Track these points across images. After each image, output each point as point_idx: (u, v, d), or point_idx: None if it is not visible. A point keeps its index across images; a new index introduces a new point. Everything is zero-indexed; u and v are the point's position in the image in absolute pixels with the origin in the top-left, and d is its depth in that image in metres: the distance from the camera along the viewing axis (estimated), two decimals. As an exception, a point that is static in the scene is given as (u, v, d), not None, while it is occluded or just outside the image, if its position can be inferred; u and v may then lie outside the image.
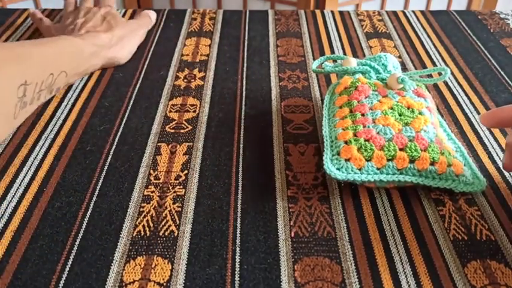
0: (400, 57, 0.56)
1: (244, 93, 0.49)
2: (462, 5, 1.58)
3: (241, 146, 0.41)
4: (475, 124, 0.44)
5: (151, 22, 0.61)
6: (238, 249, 0.32)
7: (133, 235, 0.33)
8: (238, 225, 0.33)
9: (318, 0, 1.35)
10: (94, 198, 0.36)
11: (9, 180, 0.37)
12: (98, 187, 0.37)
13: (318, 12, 0.67)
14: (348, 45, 0.59)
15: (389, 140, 0.35)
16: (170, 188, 0.37)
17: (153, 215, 0.34)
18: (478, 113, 0.46)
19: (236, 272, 0.30)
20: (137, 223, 0.34)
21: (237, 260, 0.31)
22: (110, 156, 0.40)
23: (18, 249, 0.32)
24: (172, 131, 0.43)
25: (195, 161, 0.39)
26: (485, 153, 0.40)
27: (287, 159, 0.39)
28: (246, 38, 0.60)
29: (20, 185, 0.37)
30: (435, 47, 0.58)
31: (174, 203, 0.35)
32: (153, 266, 0.30)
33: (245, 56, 0.56)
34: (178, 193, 0.36)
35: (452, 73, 0.52)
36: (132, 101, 0.47)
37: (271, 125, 0.44)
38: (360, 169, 0.34)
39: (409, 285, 0.29)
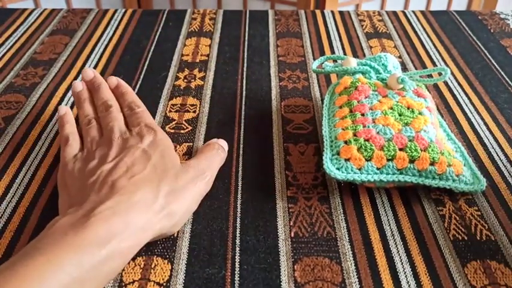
0: (400, 57, 0.56)
1: (244, 93, 0.49)
2: (462, 5, 1.58)
3: (241, 146, 0.41)
4: (475, 124, 0.44)
5: (222, 158, 0.38)
6: (238, 249, 0.32)
7: (133, 235, 0.33)
8: (238, 225, 0.33)
9: (318, 0, 1.35)
10: (94, 198, 0.36)
11: (9, 180, 0.37)
12: (98, 187, 0.37)
13: (318, 12, 0.67)
14: (348, 45, 0.59)
15: (389, 140, 0.35)
16: (170, 188, 0.37)
17: (153, 215, 0.34)
18: (478, 113, 0.46)
19: (236, 272, 0.30)
20: (137, 223, 0.34)
21: (237, 260, 0.31)
22: (109, 156, 0.40)
23: (18, 249, 0.32)
24: (172, 131, 0.43)
25: (195, 161, 0.39)
26: (485, 153, 0.40)
27: (287, 159, 0.39)
28: (246, 38, 0.60)
29: (19, 185, 0.37)
30: (435, 47, 0.58)
31: (174, 203, 0.35)
32: (152, 266, 0.30)
33: (245, 56, 0.56)
34: (178, 193, 0.36)
35: (452, 73, 0.52)
36: (132, 101, 0.47)
37: (271, 125, 0.44)
38: (359, 169, 0.34)
39: (409, 285, 0.29)
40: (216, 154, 0.37)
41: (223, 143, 0.39)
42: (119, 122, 0.38)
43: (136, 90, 0.49)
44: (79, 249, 0.26)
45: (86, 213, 0.28)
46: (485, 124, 0.44)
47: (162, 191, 0.31)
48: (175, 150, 0.40)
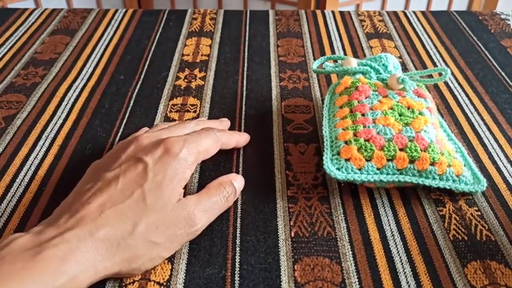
0: (400, 57, 0.56)
1: (244, 93, 0.49)
2: (463, 5, 1.58)
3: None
4: (475, 124, 0.44)
5: (227, 206, 0.34)
6: (238, 249, 0.32)
7: (133, 235, 0.33)
8: (238, 225, 0.33)
9: (318, 1, 1.35)
10: (94, 198, 0.36)
11: (9, 179, 0.37)
12: (98, 187, 0.37)
13: (318, 12, 0.67)
14: (348, 45, 0.59)
15: (390, 140, 0.35)
16: (170, 187, 0.36)
17: (153, 214, 0.34)
18: (479, 113, 0.46)
19: (236, 272, 0.30)
20: (137, 223, 0.34)
21: (237, 260, 0.31)
22: (110, 156, 0.40)
23: (18, 249, 0.32)
24: (173, 130, 0.43)
25: (195, 160, 0.39)
26: (486, 153, 0.40)
27: (287, 159, 0.39)
28: (247, 38, 0.60)
29: (20, 185, 0.37)
30: (436, 47, 0.58)
31: (174, 203, 0.35)
32: (153, 265, 0.30)
33: (246, 56, 0.56)
34: (178, 193, 0.36)
35: (452, 73, 0.52)
36: (132, 101, 0.47)
37: (271, 125, 0.44)
38: (360, 169, 0.34)
39: (409, 285, 0.29)
40: (219, 201, 0.32)
41: (238, 182, 0.34)
42: (166, 132, 0.35)
43: (136, 90, 0.49)
44: (24, 284, 0.24)
45: (44, 242, 0.26)
46: (486, 124, 0.44)
47: (136, 232, 0.27)
48: (185, 187, 0.34)
